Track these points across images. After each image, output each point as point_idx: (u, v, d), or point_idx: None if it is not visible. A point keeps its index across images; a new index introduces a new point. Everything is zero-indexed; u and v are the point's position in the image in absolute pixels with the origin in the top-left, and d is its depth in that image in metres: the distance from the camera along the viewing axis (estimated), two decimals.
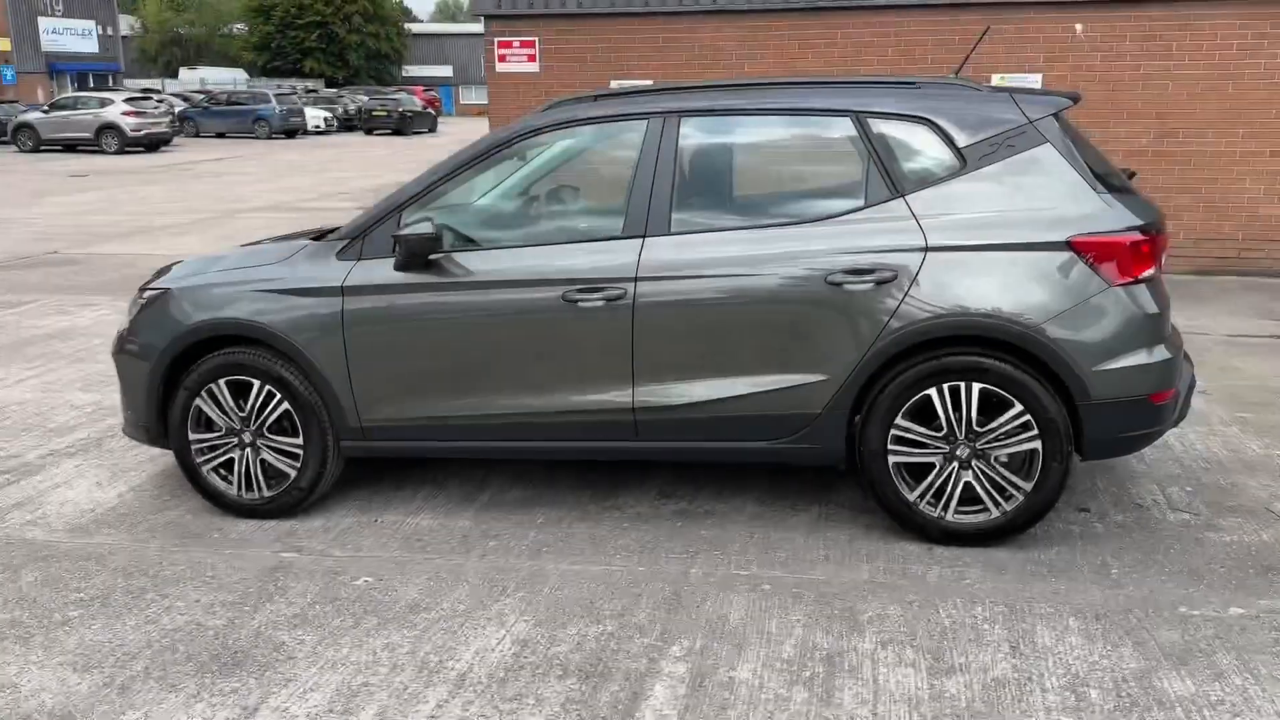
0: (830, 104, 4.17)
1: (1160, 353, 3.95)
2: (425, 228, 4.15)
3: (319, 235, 4.65)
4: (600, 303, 4.12)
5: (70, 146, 29.97)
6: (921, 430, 4.01)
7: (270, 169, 24.68)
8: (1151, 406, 3.95)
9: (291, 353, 4.38)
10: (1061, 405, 3.91)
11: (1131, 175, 4.67)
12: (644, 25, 10.73)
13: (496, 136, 4.41)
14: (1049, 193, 3.97)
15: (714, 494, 4.70)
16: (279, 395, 4.43)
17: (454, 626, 3.61)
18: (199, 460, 4.58)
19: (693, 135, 4.25)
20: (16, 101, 33.70)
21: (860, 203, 4.08)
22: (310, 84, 51.11)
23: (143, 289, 4.77)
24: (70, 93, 32.69)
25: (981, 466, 4.00)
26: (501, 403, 4.30)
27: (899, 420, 4.01)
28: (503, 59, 11.14)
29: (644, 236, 4.15)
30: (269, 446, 4.51)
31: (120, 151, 29.13)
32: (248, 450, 4.53)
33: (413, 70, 65.15)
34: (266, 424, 4.48)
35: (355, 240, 4.39)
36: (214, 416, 4.52)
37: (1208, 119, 9.87)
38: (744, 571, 3.96)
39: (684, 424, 4.20)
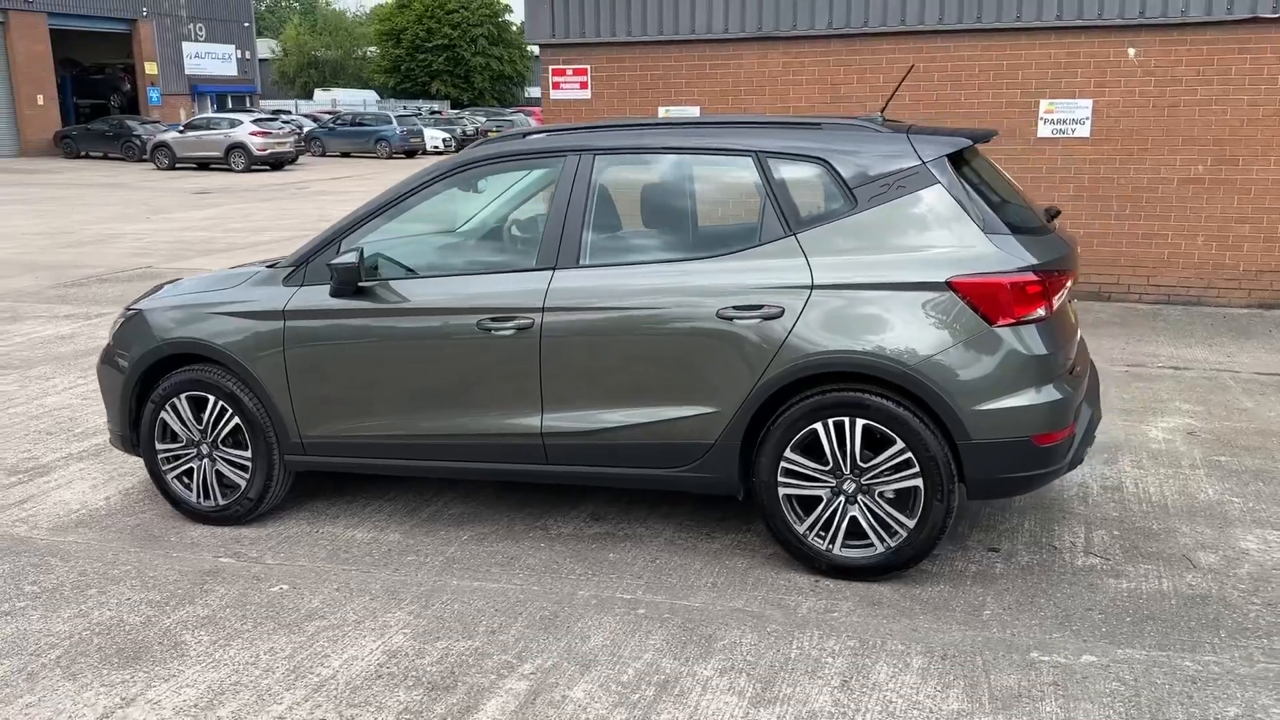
0: (734, 144, 4.28)
1: (1048, 393, 3.93)
2: (350, 257, 4.43)
3: (274, 263, 4.98)
4: (511, 331, 4.33)
5: (204, 164, 31.74)
6: (809, 464, 4.08)
7: (380, 188, 25.68)
8: (1036, 448, 3.93)
9: (240, 371, 4.71)
10: (944, 444, 3.93)
11: (1054, 215, 4.63)
12: (690, 52, 10.91)
13: (429, 170, 4.67)
14: (935, 233, 4.00)
15: (641, 518, 4.84)
16: (231, 410, 4.78)
17: (338, 635, 3.86)
18: (164, 469, 4.96)
19: (605, 173, 4.42)
20: (159, 121, 35.92)
21: (756, 240, 4.18)
22: (435, 105, 52.89)
23: (127, 308, 5.19)
24: (205, 113, 34.76)
25: (867, 502, 4.05)
26: (424, 424, 4.54)
27: (788, 453, 4.09)
28: (556, 86, 11.47)
29: (554, 269, 4.34)
30: (223, 458, 4.85)
31: (247, 170, 30.71)
32: (205, 461, 4.88)
33: (535, 92, 66.70)
34: (220, 437, 4.83)
35: (299, 268, 4.70)
36: (176, 429, 4.89)
37: (1268, 145, 9.48)
38: (628, 595, 4.09)
39: (590, 450, 4.36)
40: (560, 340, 4.29)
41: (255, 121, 31.38)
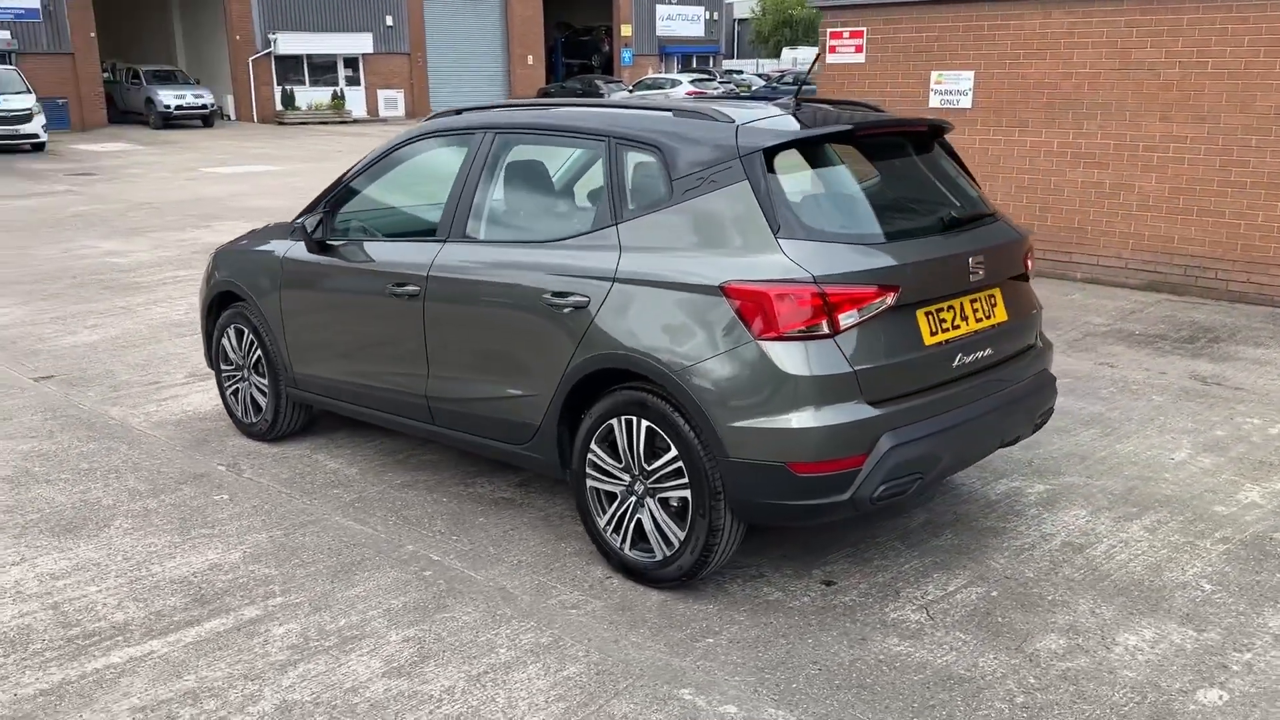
0: (597, 127, 4.21)
1: (817, 419, 3.50)
2: (302, 220, 4.99)
3: None
4: (406, 297, 4.65)
5: None
6: (609, 460, 4.00)
7: None
8: (794, 477, 3.52)
9: (256, 310, 5.50)
10: (711, 458, 3.66)
11: (964, 222, 3.99)
12: (968, 13, 10.07)
13: (384, 145, 5.07)
14: (731, 233, 3.69)
15: (557, 493, 4.94)
16: (256, 343, 5.59)
17: (202, 543, 4.49)
18: (224, 386, 5.93)
19: (498, 151, 4.53)
20: (621, 81, 39.08)
21: (591, 226, 4.11)
22: None
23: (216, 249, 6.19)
24: (651, 74, 37.20)
25: (653, 507, 3.89)
26: (359, 372, 5.02)
27: (593, 445, 4.04)
28: (833, 50, 11.15)
29: (445, 241, 4.57)
30: (254, 383, 5.70)
31: None
32: (245, 384, 5.76)
33: None
34: (254, 364, 5.67)
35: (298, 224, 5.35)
36: (231, 354, 5.81)
37: None
38: (438, 557, 4.30)
39: (459, 416, 4.59)
40: (436, 309, 4.54)
41: (693, 82, 33.11)
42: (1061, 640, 3.59)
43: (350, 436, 5.78)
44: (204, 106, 31.62)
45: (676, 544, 3.83)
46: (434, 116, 5.02)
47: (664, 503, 3.86)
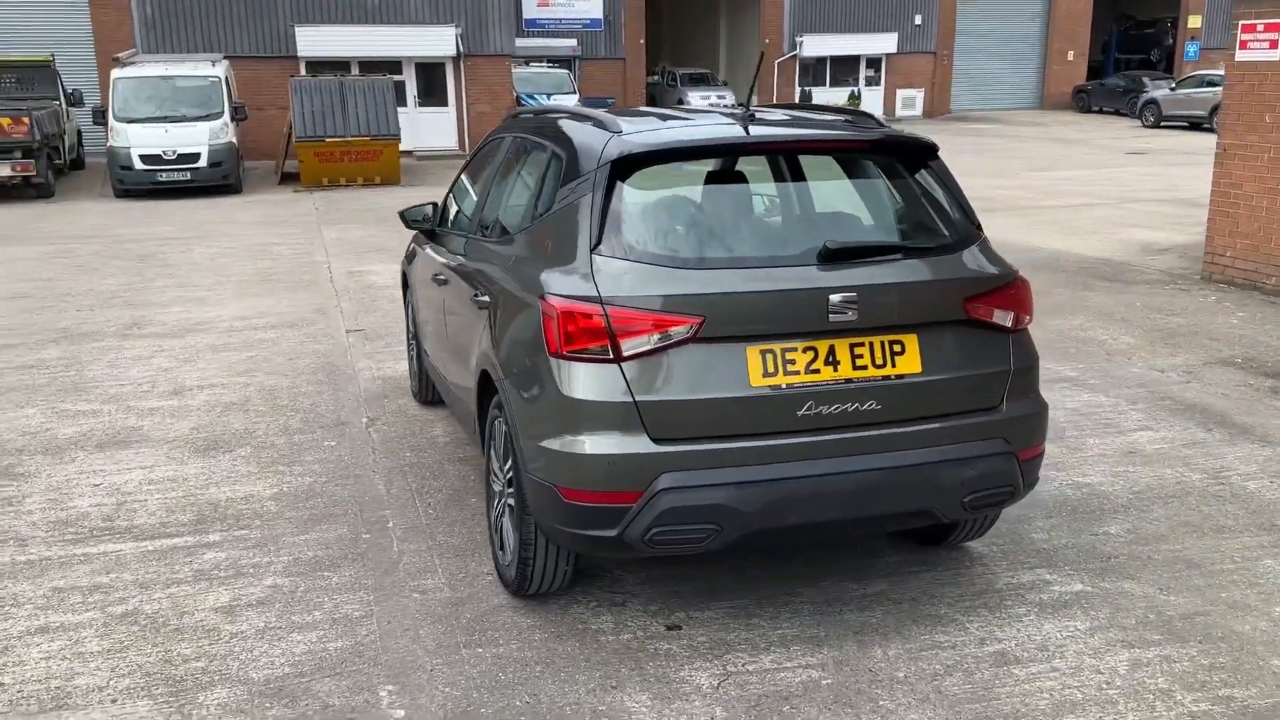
0: (551, 134, 4.21)
1: (590, 446, 3.29)
2: (413, 211, 5.54)
3: None
4: (440, 285, 5.02)
5: (1195, 124, 30.21)
6: (494, 459, 4.06)
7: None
8: (564, 503, 3.32)
9: (409, 289, 6.20)
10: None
11: (853, 252, 3.38)
12: None
13: (479, 143, 5.42)
14: (565, 244, 3.58)
15: None
16: (413, 318, 6.31)
17: (262, 479, 5.23)
18: (410, 353, 6.75)
19: (510, 154, 4.70)
20: (1168, 77, 34.92)
21: (519, 229, 4.15)
22: None
23: None
24: (1198, 72, 32.54)
25: (506, 511, 3.89)
26: (436, 353, 5.49)
27: (488, 443, 4.11)
28: (1244, 45, 9.32)
29: (468, 236, 4.86)
30: (414, 354, 6.44)
31: None
32: (412, 351, 6.52)
33: None
34: (414, 336, 6.40)
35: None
36: (411, 326, 6.60)
37: None
38: (393, 524, 4.63)
39: (453, 399, 4.88)
40: (449, 297, 4.85)
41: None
42: None
43: None
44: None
45: (509, 553, 3.81)
46: (508, 117, 5.30)
47: (510, 509, 3.85)
